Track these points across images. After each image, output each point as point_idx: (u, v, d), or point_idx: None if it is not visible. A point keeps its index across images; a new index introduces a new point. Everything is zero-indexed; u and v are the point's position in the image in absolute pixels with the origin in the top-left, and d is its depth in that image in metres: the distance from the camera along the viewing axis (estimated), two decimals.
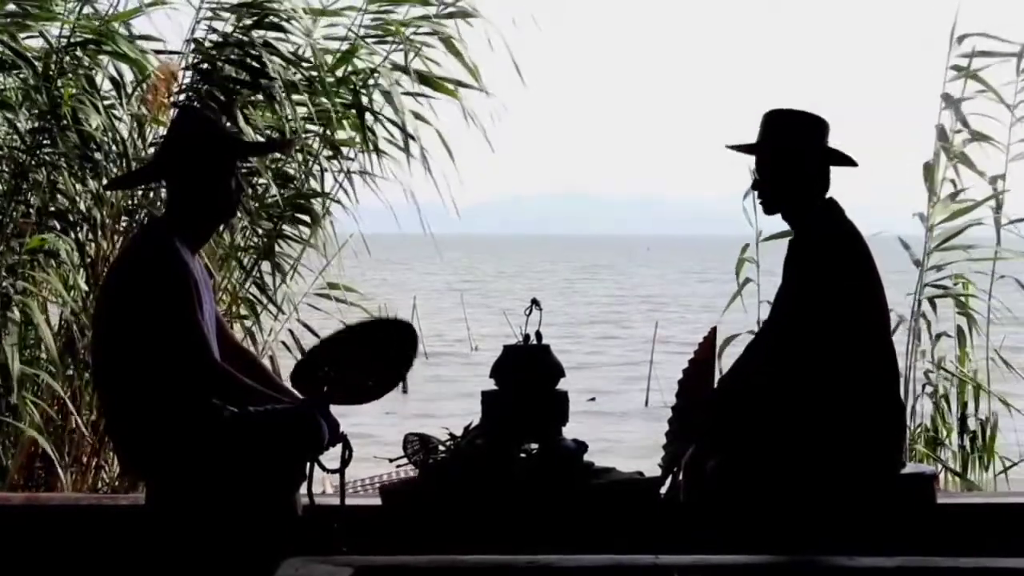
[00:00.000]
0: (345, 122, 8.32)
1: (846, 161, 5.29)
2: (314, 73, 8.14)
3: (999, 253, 8.78)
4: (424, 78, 8.35)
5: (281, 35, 8.19)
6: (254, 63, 8.03)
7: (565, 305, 44.80)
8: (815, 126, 5.26)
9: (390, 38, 8.36)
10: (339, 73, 8.31)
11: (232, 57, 8.12)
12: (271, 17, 8.15)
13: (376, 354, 5.24)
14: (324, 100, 8.19)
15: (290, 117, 7.99)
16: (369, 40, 8.36)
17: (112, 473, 7.96)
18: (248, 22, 8.16)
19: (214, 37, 8.18)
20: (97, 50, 8.10)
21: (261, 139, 8.04)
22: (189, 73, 8.17)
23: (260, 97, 8.08)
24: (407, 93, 8.33)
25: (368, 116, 8.23)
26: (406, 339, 5.29)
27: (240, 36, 8.14)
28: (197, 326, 4.95)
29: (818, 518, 5.08)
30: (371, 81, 8.26)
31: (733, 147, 5.36)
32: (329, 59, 8.31)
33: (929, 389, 8.70)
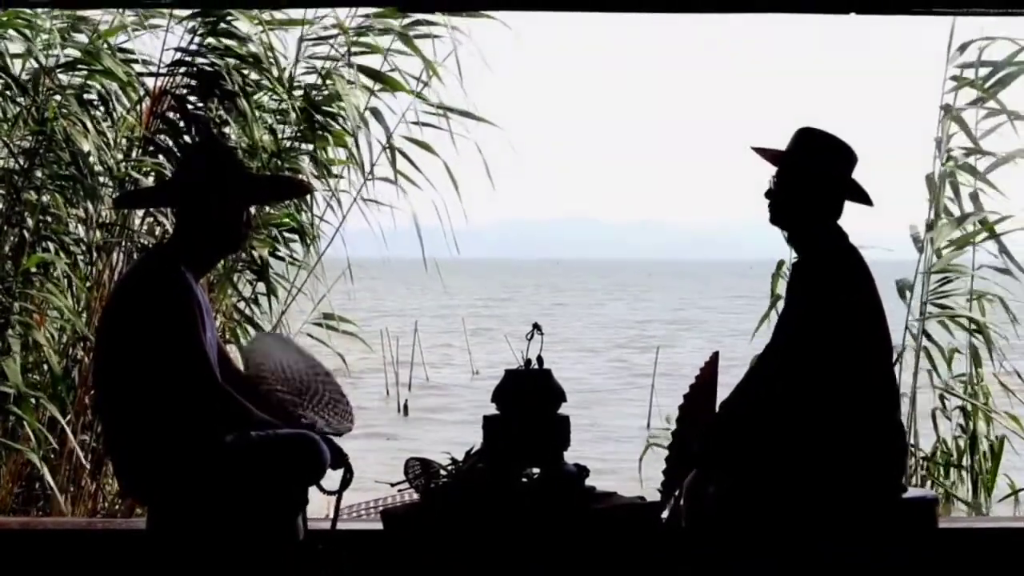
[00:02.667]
0: (330, 138, 8.36)
1: (862, 198, 5.30)
2: (273, 71, 8.18)
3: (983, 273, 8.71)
4: (373, 73, 8.37)
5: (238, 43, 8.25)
6: (215, 68, 8.08)
7: (566, 329, 44.76)
8: (842, 155, 5.26)
9: (338, 36, 8.39)
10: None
11: (200, 69, 8.16)
12: (223, 24, 8.19)
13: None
14: (318, 118, 8.23)
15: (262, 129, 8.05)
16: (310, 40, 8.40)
17: (110, 497, 7.94)
18: (202, 30, 8.20)
19: (186, 56, 8.21)
20: (88, 71, 8.11)
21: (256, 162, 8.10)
22: (170, 91, 8.21)
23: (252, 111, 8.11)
24: (426, 124, 8.38)
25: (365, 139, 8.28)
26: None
27: (198, 45, 8.18)
28: (200, 350, 4.95)
29: (819, 542, 5.07)
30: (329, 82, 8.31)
31: (758, 150, 5.36)
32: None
33: (937, 409, 8.65)
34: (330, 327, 8.42)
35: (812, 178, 5.23)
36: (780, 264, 8.77)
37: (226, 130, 8.09)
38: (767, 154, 5.34)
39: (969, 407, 8.61)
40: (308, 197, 8.36)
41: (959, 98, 8.71)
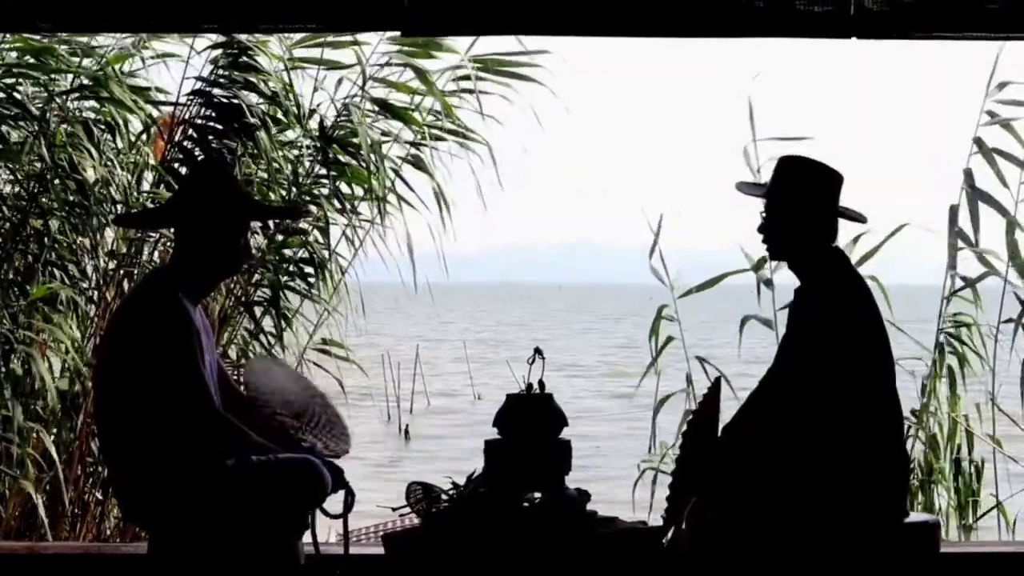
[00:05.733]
0: (348, 171, 8.40)
1: (853, 217, 5.30)
2: (291, 105, 8.22)
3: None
4: (384, 104, 8.42)
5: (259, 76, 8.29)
6: (234, 101, 8.12)
7: (568, 353, 44.72)
8: (823, 179, 5.25)
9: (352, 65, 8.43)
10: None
11: (219, 101, 8.19)
12: (244, 57, 8.22)
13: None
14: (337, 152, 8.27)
15: (278, 165, 8.09)
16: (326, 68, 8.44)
17: (112, 523, 7.95)
18: (223, 62, 8.23)
19: (203, 86, 8.24)
20: (96, 97, 8.13)
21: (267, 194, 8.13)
22: (188, 121, 8.22)
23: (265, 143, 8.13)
24: (426, 144, 8.41)
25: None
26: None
27: (221, 77, 8.21)
28: (199, 375, 4.96)
29: (821, 569, 5.07)
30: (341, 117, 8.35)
31: (741, 188, 5.38)
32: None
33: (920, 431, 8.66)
34: (324, 352, 8.44)
35: (796, 206, 5.24)
36: (662, 308, 8.87)
37: (244, 161, 8.12)
38: (752, 189, 5.36)
39: (946, 430, 8.64)
40: (326, 229, 8.40)
41: (993, 135, 8.72)
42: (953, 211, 8.69)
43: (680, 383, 8.85)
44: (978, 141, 8.68)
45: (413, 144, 8.48)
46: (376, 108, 8.41)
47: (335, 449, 5.29)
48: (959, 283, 8.76)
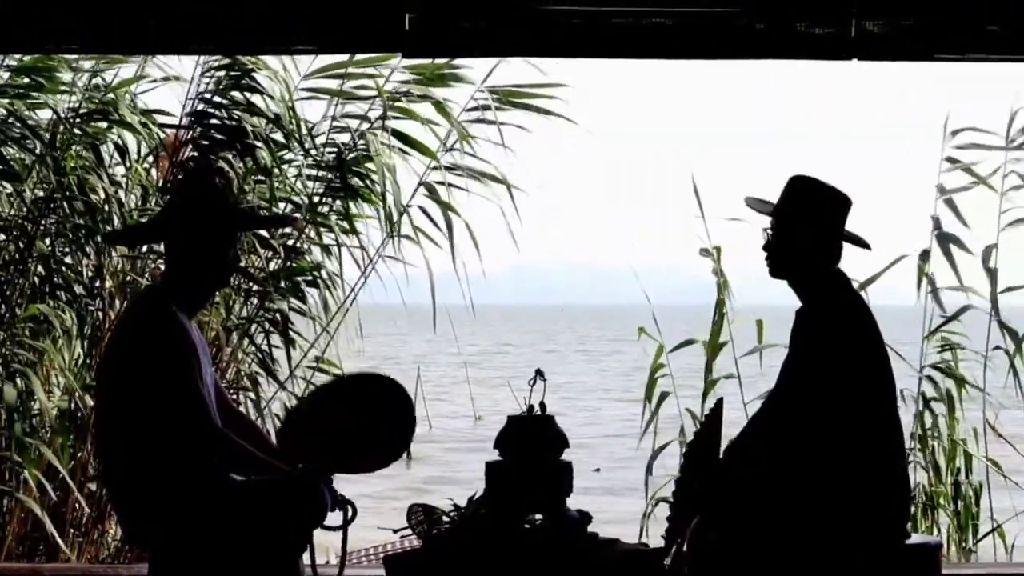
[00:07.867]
0: (358, 197, 8.42)
1: (857, 241, 5.30)
2: (292, 128, 8.24)
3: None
4: (401, 135, 8.45)
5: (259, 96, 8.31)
6: (235, 123, 8.13)
7: (569, 375, 44.71)
8: (823, 199, 5.25)
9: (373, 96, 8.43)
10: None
11: (219, 123, 8.20)
12: (247, 79, 8.23)
13: (365, 420, 5.27)
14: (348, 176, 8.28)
15: (278, 185, 8.10)
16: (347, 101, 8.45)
17: (113, 544, 7.94)
18: (226, 82, 8.24)
19: (205, 107, 8.25)
20: (104, 119, 8.15)
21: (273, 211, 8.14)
22: (192, 142, 8.24)
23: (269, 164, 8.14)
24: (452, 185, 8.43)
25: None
26: (397, 403, 5.30)
27: (220, 98, 8.23)
28: (197, 390, 4.95)
29: None
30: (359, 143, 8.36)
31: (749, 204, 5.38)
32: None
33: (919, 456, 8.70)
34: (321, 371, 8.44)
35: (802, 226, 5.23)
36: (659, 367, 8.95)
37: (246, 180, 8.14)
38: (761, 206, 5.36)
39: (946, 452, 8.69)
40: (335, 251, 8.41)
41: (953, 179, 8.84)
42: (924, 255, 8.82)
43: (685, 398, 8.87)
44: (940, 188, 8.81)
45: (434, 184, 8.50)
46: (394, 140, 8.41)
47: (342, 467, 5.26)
48: (937, 317, 8.86)
